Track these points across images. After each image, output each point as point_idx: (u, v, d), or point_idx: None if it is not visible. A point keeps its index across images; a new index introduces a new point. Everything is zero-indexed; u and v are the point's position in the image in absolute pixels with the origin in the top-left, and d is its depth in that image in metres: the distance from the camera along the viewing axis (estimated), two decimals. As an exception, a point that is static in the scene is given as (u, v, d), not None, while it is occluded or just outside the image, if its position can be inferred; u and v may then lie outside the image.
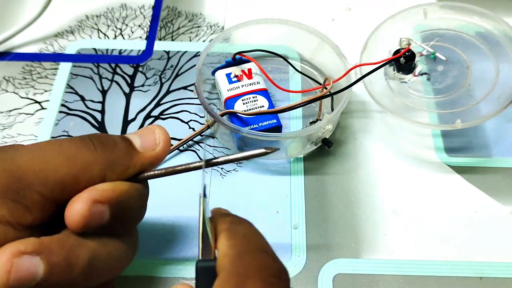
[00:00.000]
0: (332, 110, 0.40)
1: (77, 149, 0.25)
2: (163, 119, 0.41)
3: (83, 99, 0.42)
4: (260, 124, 0.38)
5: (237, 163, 0.39)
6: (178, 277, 0.33)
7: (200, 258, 0.24)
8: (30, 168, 0.24)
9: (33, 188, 0.24)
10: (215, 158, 0.29)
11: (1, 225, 0.23)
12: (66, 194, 0.25)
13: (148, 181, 0.29)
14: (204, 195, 0.25)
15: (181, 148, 0.40)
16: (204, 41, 0.47)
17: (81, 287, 0.25)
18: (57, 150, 0.25)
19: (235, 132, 0.36)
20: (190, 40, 0.47)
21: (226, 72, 0.41)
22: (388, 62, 0.39)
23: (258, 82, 0.40)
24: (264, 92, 0.40)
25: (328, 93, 0.37)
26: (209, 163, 0.28)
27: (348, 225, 0.36)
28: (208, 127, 0.40)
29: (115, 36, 0.47)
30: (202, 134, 0.40)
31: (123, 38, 0.47)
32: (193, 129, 0.41)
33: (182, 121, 0.41)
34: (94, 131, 0.40)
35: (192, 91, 0.43)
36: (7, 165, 0.24)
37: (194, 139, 0.40)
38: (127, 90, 0.43)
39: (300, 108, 0.42)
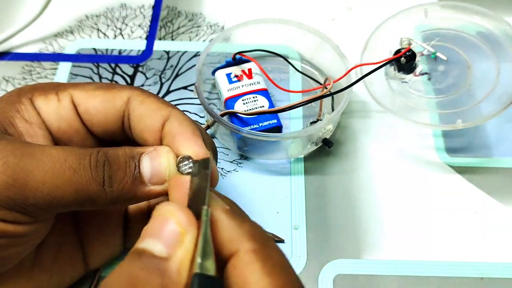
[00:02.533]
0: (333, 110, 0.40)
1: (87, 180, 0.24)
2: (163, 119, 0.41)
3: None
4: (260, 124, 0.38)
5: (237, 164, 0.39)
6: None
7: (199, 271, 0.20)
8: (40, 190, 0.24)
9: (33, 203, 0.24)
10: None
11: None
12: (60, 210, 0.25)
13: None
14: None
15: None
16: (204, 41, 0.47)
17: None
18: (69, 178, 0.24)
19: (235, 132, 0.36)
20: (190, 40, 0.47)
21: (226, 72, 0.41)
22: (389, 62, 0.39)
23: (258, 82, 0.40)
24: (264, 92, 0.40)
25: (328, 92, 0.37)
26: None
27: (349, 225, 0.36)
28: (208, 127, 0.39)
29: (115, 36, 0.47)
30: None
31: (123, 38, 0.47)
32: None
33: (182, 121, 0.41)
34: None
35: (192, 91, 0.43)
36: (11, 173, 0.23)
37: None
38: (127, 90, 0.43)
39: (301, 108, 0.42)
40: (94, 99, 0.28)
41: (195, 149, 0.26)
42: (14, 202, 0.23)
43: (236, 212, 0.23)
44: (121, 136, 0.29)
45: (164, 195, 0.26)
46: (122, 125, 0.28)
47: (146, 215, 0.31)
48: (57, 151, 0.24)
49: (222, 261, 0.22)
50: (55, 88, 0.28)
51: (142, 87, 0.31)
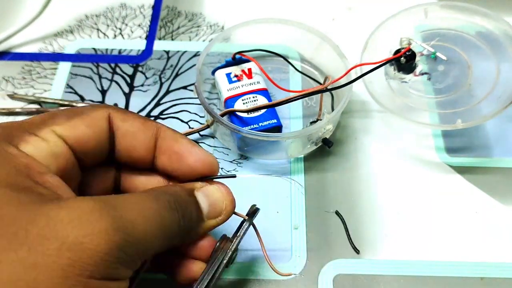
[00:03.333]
0: (333, 110, 0.40)
1: (173, 221, 0.25)
2: (163, 119, 0.41)
3: (82, 99, 0.42)
4: (260, 124, 0.38)
5: (237, 164, 0.39)
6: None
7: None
8: (145, 241, 0.23)
9: (138, 252, 0.23)
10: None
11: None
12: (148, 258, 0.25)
13: None
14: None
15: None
16: (204, 40, 0.47)
17: None
18: (159, 223, 0.24)
19: (235, 132, 0.36)
20: (190, 40, 0.47)
21: (226, 72, 0.41)
22: (389, 61, 0.39)
23: (258, 82, 0.40)
24: (264, 92, 0.40)
25: (325, 88, 0.37)
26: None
27: (348, 225, 0.36)
28: (208, 126, 0.39)
29: (115, 36, 0.47)
30: (202, 134, 0.40)
31: (123, 38, 0.47)
32: (192, 129, 0.40)
33: (182, 121, 0.41)
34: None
35: (192, 91, 0.43)
36: (129, 237, 0.22)
37: (193, 139, 0.40)
38: (126, 90, 0.43)
39: (301, 108, 0.42)
40: (78, 128, 0.26)
41: (208, 160, 0.28)
42: (128, 257, 0.22)
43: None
44: (102, 159, 0.27)
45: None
46: (109, 146, 0.27)
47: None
48: (138, 198, 0.24)
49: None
50: (28, 130, 0.24)
51: (116, 106, 0.31)
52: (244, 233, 0.28)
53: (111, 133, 0.27)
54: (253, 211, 0.29)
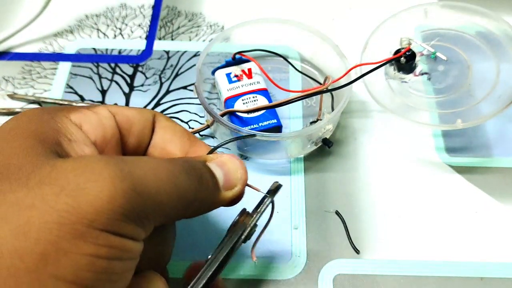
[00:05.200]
0: (333, 110, 0.40)
1: (188, 185, 0.24)
2: (163, 119, 0.41)
3: (82, 99, 0.42)
4: (260, 124, 0.38)
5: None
6: (178, 277, 0.33)
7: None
8: (156, 196, 0.22)
9: (150, 211, 0.22)
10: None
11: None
12: (164, 223, 0.24)
13: None
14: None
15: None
16: (204, 40, 0.47)
17: None
18: (173, 183, 0.23)
19: (235, 132, 0.36)
20: (190, 40, 0.47)
21: (226, 72, 0.41)
22: (389, 61, 0.39)
23: (258, 82, 0.40)
24: (264, 92, 0.40)
25: (326, 88, 0.37)
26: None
27: (348, 225, 0.36)
28: (208, 126, 0.39)
29: (115, 36, 0.47)
30: (202, 134, 0.40)
31: (123, 38, 0.47)
32: (193, 129, 0.40)
33: (182, 121, 0.41)
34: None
35: (192, 91, 0.43)
36: (138, 187, 0.21)
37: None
38: (126, 90, 0.43)
39: (301, 108, 0.42)
40: (129, 110, 0.28)
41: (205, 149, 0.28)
42: (136, 212, 0.21)
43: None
44: (142, 147, 0.28)
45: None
46: (149, 137, 0.28)
47: None
48: (150, 159, 0.24)
49: None
50: (86, 107, 0.27)
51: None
52: (265, 209, 0.27)
53: (153, 127, 0.28)
54: (275, 187, 0.28)
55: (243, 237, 0.27)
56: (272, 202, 0.28)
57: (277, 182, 0.29)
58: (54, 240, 0.19)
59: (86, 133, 0.25)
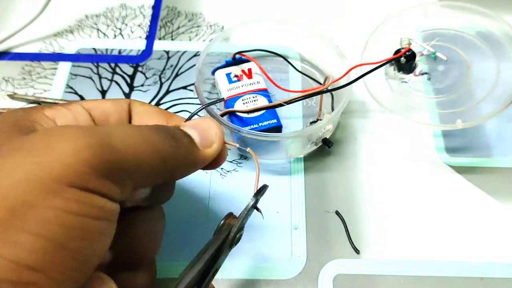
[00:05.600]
0: (333, 110, 0.40)
1: (163, 143, 0.24)
2: (163, 119, 0.41)
3: (82, 99, 0.42)
4: (260, 124, 0.38)
5: (237, 164, 0.39)
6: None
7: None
8: (126, 151, 0.22)
9: (125, 167, 0.22)
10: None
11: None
12: (145, 184, 0.24)
13: None
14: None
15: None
16: (204, 40, 0.47)
17: None
18: (147, 139, 0.23)
19: (235, 132, 0.36)
20: (190, 40, 0.47)
21: (226, 72, 0.41)
22: (389, 61, 0.39)
23: (258, 82, 0.40)
24: (264, 92, 0.40)
25: (326, 88, 0.37)
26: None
27: (349, 225, 0.36)
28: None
29: (115, 36, 0.47)
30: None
31: (123, 38, 0.47)
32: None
33: (182, 121, 0.41)
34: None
35: (192, 91, 0.43)
36: (104, 142, 0.21)
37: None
38: (126, 90, 0.43)
39: (301, 108, 0.42)
40: (104, 102, 0.28)
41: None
42: (110, 167, 0.21)
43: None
44: None
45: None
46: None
47: None
48: (126, 124, 0.25)
49: None
50: (60, 105, 0.27)
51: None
52: (250, 210, 0.27)
53: (130, 115, 0.29)
54: (260, 188, 0.28)
55: (228, 239, 0.26)
56: (256, 201, 0.28)
57: (266, 185, 0.29)
58: (21, 195, 0.19)
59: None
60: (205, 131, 0.27)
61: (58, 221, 0.19)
